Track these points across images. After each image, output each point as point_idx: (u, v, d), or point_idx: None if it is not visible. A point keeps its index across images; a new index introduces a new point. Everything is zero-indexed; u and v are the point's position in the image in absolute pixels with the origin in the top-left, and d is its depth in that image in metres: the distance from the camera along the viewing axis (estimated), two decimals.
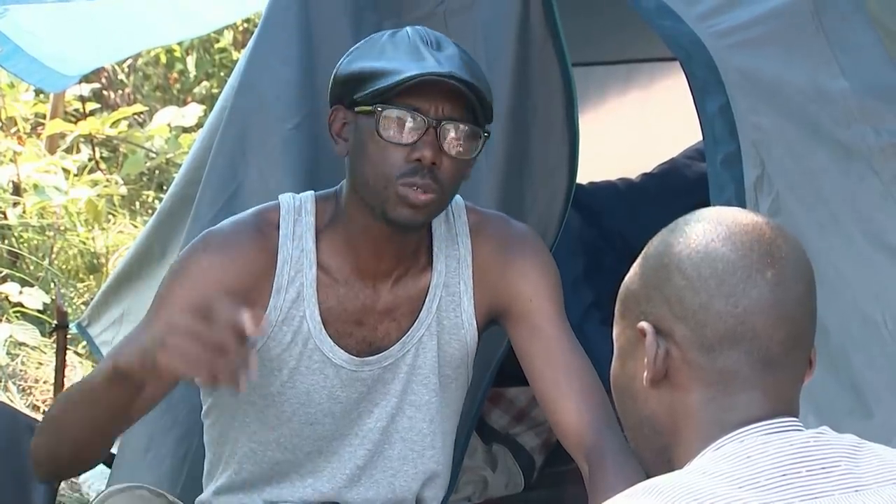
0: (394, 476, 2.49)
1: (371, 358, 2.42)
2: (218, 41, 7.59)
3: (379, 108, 2.28)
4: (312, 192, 2.45)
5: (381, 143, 2.28)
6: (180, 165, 4.40)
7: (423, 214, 2.30)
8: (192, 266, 2.34)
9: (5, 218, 5.58)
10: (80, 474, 2.30)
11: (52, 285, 5.20)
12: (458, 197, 2.49)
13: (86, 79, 6.03)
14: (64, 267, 5.58)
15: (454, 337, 2.46)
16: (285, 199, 2.43)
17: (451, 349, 2.46)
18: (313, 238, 2.39)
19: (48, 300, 5.01)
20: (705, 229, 1.51)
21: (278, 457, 2.47)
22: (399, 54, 2.30)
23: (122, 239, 5.86)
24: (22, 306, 4.97)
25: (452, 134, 2.29)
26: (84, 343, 4.43)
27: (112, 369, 2.08)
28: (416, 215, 2.30)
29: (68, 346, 4.37)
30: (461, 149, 2.30)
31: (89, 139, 6.39)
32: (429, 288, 2.43)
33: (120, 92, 7.43)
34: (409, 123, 2.28)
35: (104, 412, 2.15)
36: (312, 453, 2.46)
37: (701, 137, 2.71)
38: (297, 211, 2.41)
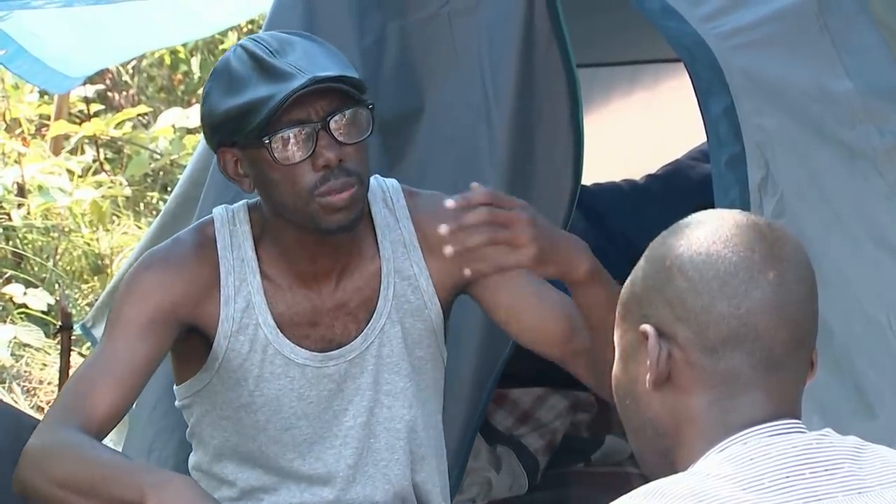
0: (387, 467, 2.49)
1: (334, 352, 2.42)
2: (222, 42, 7.59)
3: (266, 140, 2.27)
4: (245, 201, 2.45)
5: (283, 167, 2.28)
6: (184, 166, 4.40)
7: (353, 211, 2.31)
8: (137, 286, 2.38)
9: (10, 219, 5.59)
10: None
11: (57, 286, 5.21)
12: (393, 181, 2.50)
13: (90, 80, 6.03)
14: (68, 268, 5.59)
15: (418, 319, 2.45)
16: (218, 211, 2.45)
17: (416, 332, 2.46)
18: (252, 246, 2.41)
19: (52, 301, 5.02)
20: (707, 231, 1.51)
21: (266, 466, 2.47)
22: (254, 80, 2.27)
23: (126, 240, 5.86)
24: (26, 307, 4.97)
25: (342, 123, 2.28)
26: (88, 344, 4.43)
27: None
28: (348, 215, 2.30)
29: (73, 348, 4.37)
30: (358, 132, 2.30)
31: (93, 140, 6.39)
32: (380, 277, 2.43)
33: (124, 93, 7.44)
34: (298, 139, 2.27)
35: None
36: (296, 460, 2.46)
37: (705, 139, 2.71)
38: (232, 221, 2.42)
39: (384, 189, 2.48)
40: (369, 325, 2.43)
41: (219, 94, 2.31)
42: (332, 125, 2.27)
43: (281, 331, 2.40)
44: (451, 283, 2.46)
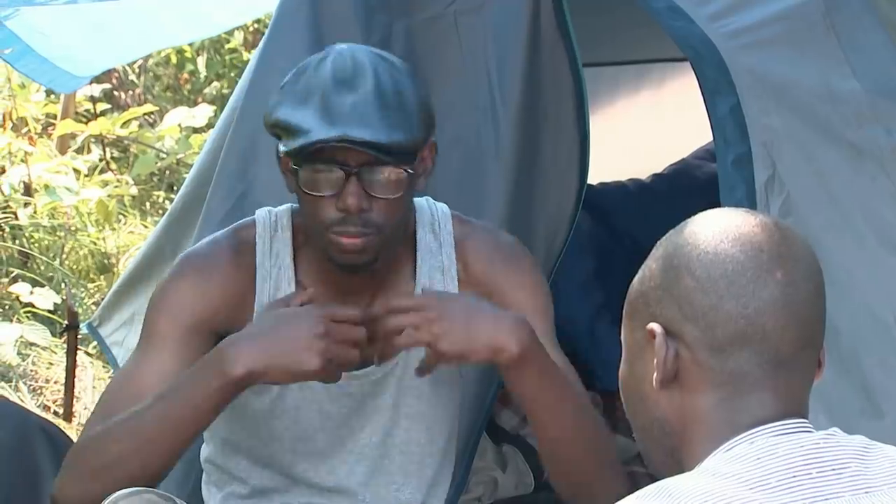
0: (398, 490, 2.48)
1: (358, 372, 2.40)
2: (228, 42, 7.60)
3: (295, 167, 2.26)
4: (289, 206, 2.43)
5: (308, 196, 2.27)
6: (191, 166, 4.40)
7: (365, 256, 2.28)
8: (172, 295, 2.36)
9: (16, 218, 5.59)
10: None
11: (63, 285, 5.21)
12: (443, 206, 2.47)
13: (97, 79, 6.03)
14: (75, 267, 5.59)
15: None
16: (261, 214, 2.42)
17: None
18: (290, 255, 2.39)
19: (59, 300, 5.02)
20: (714, 230, 1.51)
21: (277, 470, 2.46)
22: (312, 103, 2.24)
23: (132, 239, 5.86)
24: (33, 306, 4.98)
25: (376, 178, 2.25)
26: (95, 343, 4.43)
27: (232, 381, 2.16)
28: (357, 258, 2.28)
29: (79, 347, 4.37)
30: (388, 190, 2.26)
31: (100, 139, 6.40)
32: None
33: (131, 92, 7.44)
34: (328, 177, 2.24)
35: (195, 427, 2.22)
36: (309, 471, 2.45)
37: (711, 138, 2.71)
38: (273, 227, 2.40)
39: (433, 213, 2.45)
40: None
41: (286, 98, 2.29)
42: (364, 176, 2.24)
43: None
44: None
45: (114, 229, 5.87)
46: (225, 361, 2.17)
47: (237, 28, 7.31)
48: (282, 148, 2.28)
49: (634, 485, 1.51)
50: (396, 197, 2.27)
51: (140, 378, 2.31)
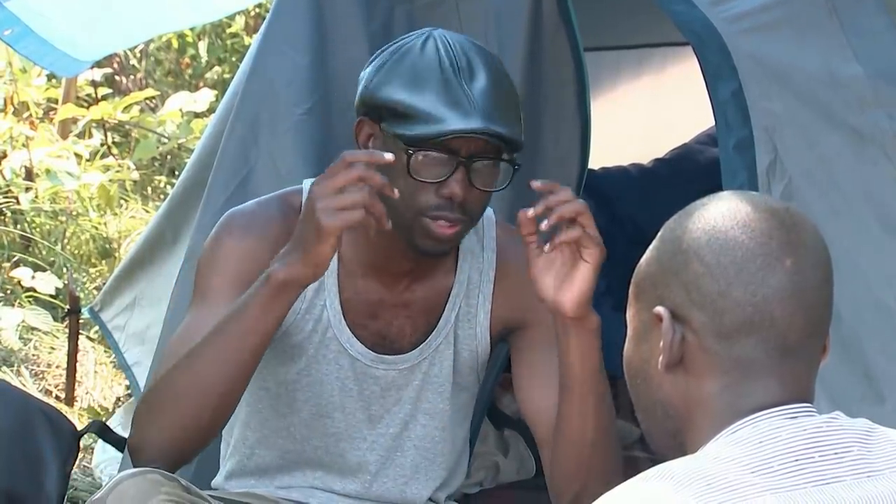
0: (405, 484, 2.49)
1: (388, 357, 2.42)
2: (230, 26, 7.59)
3: (411, 151, 2.25)
4: None
5: (410, 179, 2.26)
6: (192, 150, 4.40)
7: (449, 244, 2.31)
8: (223, 254, 2.35)
9: (18, 203, 5.59)
10: (193, 456, 2.32)
11: (65, 270, 5.21)
12: (489, 210, 2.48)
13: (98, 64, 6.03)
14: (76, 252, 5.59)
15: (466, 347, 2.46)
16: (308, 183, 2.40)
17: (463, 358, 2.46)
18: None
19: (61, 285, 5.02)
20: (724, 215, 1.51)
21: (288, 446, 2.46)
22: (431, 88, 2.25)
23: (134, 224, 5.86)
24: (34, 291, 4.98)
25: (482, 170, 2.28)
26: (96, 328, 4.43)
27: (279, 284, 2.16)
28: (443, 246, 2.30)
29: (81, 331, 4.37)
30: (492, 181, 2.29)
31: (101, 124, 6.39)
32: (449, 296, 2.43)
33: (132, 77, 7.43)
34: (438, 163, 2.26)
35: (254, 346, 2.21)
36: (320, 449, 2.46)
37: (713, 122, 2.71)
38: None
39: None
40: (427, 341, 2.42)
41: (390, 76, 2.28)
42: (474, 167, 2.27)
43: (344, 316, 2.40)
44: (503, 325, 2.46)
45: (115, 214, 5.87)
46: (269, 274, 2.18)
47: (239, 12, 7.30)
48: (397, 131, 2.26)
49: (636, 469, 1.51)
50: (495, 189, 2.30)
51: (197, 334, 2.27)
